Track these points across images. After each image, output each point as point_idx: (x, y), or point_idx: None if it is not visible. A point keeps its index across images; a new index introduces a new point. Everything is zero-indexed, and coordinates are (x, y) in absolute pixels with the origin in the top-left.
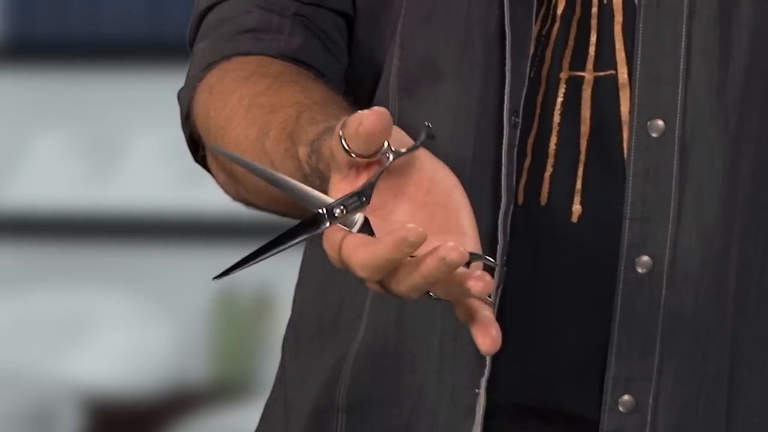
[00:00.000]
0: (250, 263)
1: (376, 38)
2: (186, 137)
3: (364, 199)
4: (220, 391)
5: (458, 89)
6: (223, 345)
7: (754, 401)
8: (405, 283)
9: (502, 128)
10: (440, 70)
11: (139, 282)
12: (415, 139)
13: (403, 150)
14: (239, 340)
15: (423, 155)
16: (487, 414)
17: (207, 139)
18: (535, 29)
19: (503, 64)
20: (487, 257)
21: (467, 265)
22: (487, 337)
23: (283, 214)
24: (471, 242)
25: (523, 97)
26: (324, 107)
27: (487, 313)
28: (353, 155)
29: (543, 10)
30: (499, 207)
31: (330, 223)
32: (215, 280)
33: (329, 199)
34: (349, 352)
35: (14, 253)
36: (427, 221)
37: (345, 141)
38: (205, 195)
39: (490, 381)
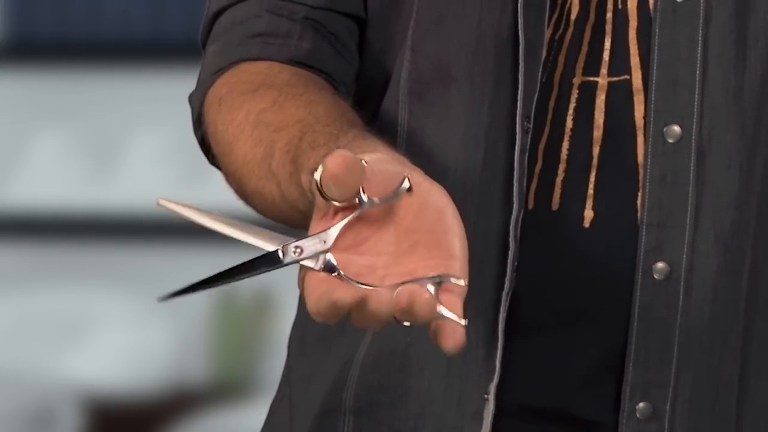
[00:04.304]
0: (202, 289)
1: (386, 41)
2: (198, 140)
3: (326, 241)
4: (220, 391)
5: (470, 94)
6: (223, 345)
7: (762, 403)
8: (359, 321)
9: (513, 133)
10: (452, 75)
11: (139, 282)
12: (415, 164)
13: (376, 200)
14: (239, 340)
15: (416, 176)
16: (495, 415)
17: (216, 151)
18: (547, 34)
19: (515, 69)
20: (454, 276)
21: (440, 283)
22: (450, 339)
23: (292, 225)
24: (458, 266)
25: (534, 102)
26: (327, 125)
27: (457, 329)
28: (328, 199)
29: (556, 15)
30: (510, 212)
31: (285, 261)
32: (161, 301)
33: (290, 239)
34: (357, 355)
35: (14, 253)
36: (411, 249)
37: (320, 184)
38: (205, 195)
39: (498, 382)
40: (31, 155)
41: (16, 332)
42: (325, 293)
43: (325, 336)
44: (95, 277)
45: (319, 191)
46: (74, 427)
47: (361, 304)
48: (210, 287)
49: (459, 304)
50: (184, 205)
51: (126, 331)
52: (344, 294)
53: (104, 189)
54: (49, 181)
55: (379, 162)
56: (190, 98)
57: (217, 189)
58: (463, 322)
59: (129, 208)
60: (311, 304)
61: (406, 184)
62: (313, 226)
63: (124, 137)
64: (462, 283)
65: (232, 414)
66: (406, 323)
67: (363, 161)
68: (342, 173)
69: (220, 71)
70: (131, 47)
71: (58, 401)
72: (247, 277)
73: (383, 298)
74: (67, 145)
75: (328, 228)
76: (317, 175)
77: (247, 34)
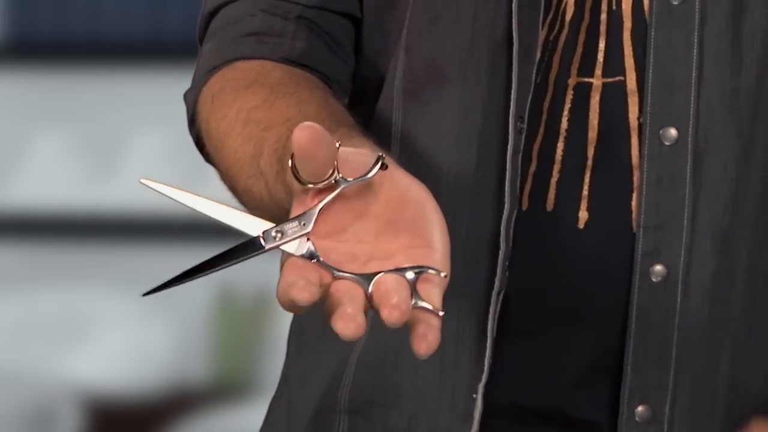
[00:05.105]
0: (186, 280)
1: (381, 41)
2: (193, 138)
3: (304, 224)
4: (220, 391)
5: (463, 94)
6: (223, 345)
7: (759, 405)
8: (331, 316)
9: (507, 134)
10: (445, 75)
11: (139, 282)
12: (410, 164)
13: (351, 179)
14: (239, 340)
15: (396, 172)
16: (491, 415)
17: (209, 148)
18: (542, 35)
19: (509, 70)
20: (434, 267)
21: (419, 273)
22: (423, 341)
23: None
24: (438, 257)
25: (528, 103)
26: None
27: (433, 322)
28: (303, 182)
29: (551, 16)
30: (501, 212)
31: (267, 247)
32: (144, 296)
33: (268, 224)
34: (352, 354)
35: (14, 253)
36: (392, 238)
37: (294, 166)
38: (205, 194)
39: (492, 383)
40: (31, 155)
41: (16, 332)
42: (287, 287)
43: (322, 335)
44: (95, 277)
45: (295, 176)
46: (74, 427)
47: (328, 302)
48: (194, 278)
49: (437, 294)
50: (168, 186)
51: (126, 331)
52: (300, 295)
53: (104, 189)
54: (49, 181)
55: (354, 151)
56: (185, 97)
57: (217, 189)
58: (440, 313)
59: (129, 208)
60: (278, 294)
61: (377, 166)
62: (293, 214)
63: (124, 137)
64: (442, 275)
65: (232, 414)
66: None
67: (335, 141)
68: (311, 146)
69: (214, 69)
70: (131, 47)
71: (58, 401)
72: (231, 264)
73: (352, 293)
74: (67, 145)
75: (308, 210)
76: (290, 161)
77: (241, 33)
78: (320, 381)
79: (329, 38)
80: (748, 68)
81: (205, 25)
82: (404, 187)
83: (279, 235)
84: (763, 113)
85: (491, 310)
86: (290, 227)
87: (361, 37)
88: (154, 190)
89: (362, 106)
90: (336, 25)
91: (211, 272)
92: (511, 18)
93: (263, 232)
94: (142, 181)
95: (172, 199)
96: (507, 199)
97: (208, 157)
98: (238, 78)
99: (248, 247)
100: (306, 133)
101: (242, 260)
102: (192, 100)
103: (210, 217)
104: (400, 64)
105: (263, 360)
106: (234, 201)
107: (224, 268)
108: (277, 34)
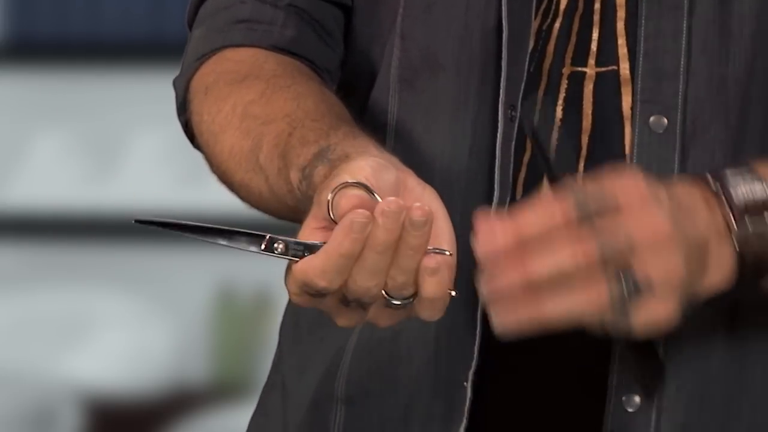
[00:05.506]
0: (179, 230)
1: (374, 29)
2: (182, 124)
3: (307, 253)
4: (220, 391)
5: (457, 82)
6: (223, 345)
7: (759, 398)
8: (360, 272)
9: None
10: (440, 63)
11: (139, 282)
12: (404, 153)
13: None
14: (239, 340)
15: (409, 180)
16: (484, 405)
17: (200, 141)
18: (536, 24)
19: (500, 58)
20: (444, 249)
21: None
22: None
23: (279, 217)
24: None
25: (521, 91)
26: (316, 120)
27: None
28: (333, 219)
29: (544, 5)
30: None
31: (264, 249)
32: (137, 222)
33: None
34: (348, 344)
35: (14, 253)
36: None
37: (331, 206)
38: (205, 195)
39: (485, 373)
40: (31, 155)
41: (16, 332)
42: (349, 223)
43: (317, 325)
44: (95, 277)
45: (328, 210)
46: (74, 427)
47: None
48: (190, 234)
49: (450, 275)
50: (165, 219)
51: (126, 331)
52: (361, 215)
53: (104, 189)
54: (49, 181)
55: (380, 174)
56: (174, 83)
57: (217, 189)
58: (452, 293)
59: (129, 208)
60: (321, 266)
61: None
62: (306, 231)
63: (124, 137)
64: (448, 252)
65: (232, 414)
66: (396, 301)
67: (377, 196)
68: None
69: (204, 57)
70: (131, 47)
71: (58, 401)
72: (223, 244)
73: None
74: (67, 145)
75: (319, 243)
76: (330, 196)
77: (230, 20)
78: (318, 369)
79: (319, 26)
80: (737, 57)
81: (195, 11)
82: (417, 196)
83: (281, 247)
84: (752, 103)
85: (480, 297)
86: (294, 248)
87: (352, 24)
88: (152, 225)
89: (353, 96)
90: (326, 14)
91: (205, 240)
92: (501, 5)
93: (269, 237)
94: (137, 220)
95: (171, 231)
96: (497, 186)
97: (196, 144)
98: (232, 70)
99: (248, 239)
100: (354, 203)
101: (236, 248)
102: (182, 86)
103: (214, 239)
104: (396, 52)
105: (263, 360)
106: (240, 206)
107: (217, 243)
108: (267, 21)
